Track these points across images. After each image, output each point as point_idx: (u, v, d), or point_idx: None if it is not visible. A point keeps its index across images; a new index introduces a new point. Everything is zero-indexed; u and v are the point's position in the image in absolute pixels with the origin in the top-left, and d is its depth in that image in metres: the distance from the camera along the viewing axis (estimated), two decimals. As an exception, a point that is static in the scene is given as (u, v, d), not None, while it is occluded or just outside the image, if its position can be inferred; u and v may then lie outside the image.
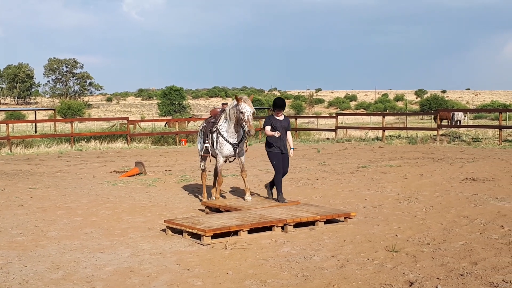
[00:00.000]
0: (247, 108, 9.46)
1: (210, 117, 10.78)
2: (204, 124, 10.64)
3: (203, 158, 10.67)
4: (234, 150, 9.92)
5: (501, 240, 7.41)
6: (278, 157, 9.80)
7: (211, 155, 10.41)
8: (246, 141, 10.23)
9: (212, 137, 10.18)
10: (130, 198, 11.62)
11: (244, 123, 9.47)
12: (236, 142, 9.89)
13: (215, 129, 10.11)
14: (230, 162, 10.45)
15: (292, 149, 10.06)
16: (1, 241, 8.01)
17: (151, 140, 28.95)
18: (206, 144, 10.31)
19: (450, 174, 13.75)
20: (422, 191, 11.42)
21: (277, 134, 9.61)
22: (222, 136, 9.91)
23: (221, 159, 10.05)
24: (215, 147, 10.10)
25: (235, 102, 9.54)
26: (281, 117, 9.84)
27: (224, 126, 9.92)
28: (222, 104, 10.61)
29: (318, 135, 31.82)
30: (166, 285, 5.91)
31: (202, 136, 10.58)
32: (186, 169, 16.74)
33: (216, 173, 10.51)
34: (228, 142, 9.86)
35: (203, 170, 10.79)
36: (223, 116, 10.06)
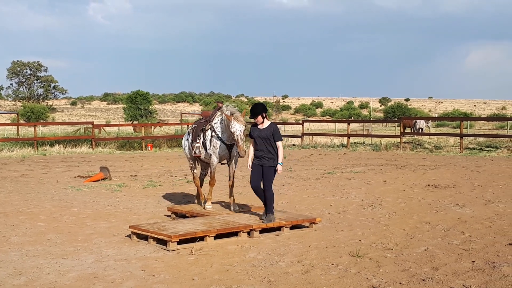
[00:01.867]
0: (237, 127, 8.89)
1: (200, 118, 10.19)
2: (194, 125, 10.04)
3: (194, 160, 10.15)
4: (229, 151, 9.43)
5: (461, 246, 7.59)
6: (254, 169, 8.64)
7: (200, 158, 9.87)
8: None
9: (205, 136, 9.59)
10: (94, 203, 11.49)
11: (234, 143, 9.09)
12: (231, 144, 9.36)
13: (209, 126, 9.54)
14: (222, 164, 9.93)
15: (280, 164, 8.54)
16: (-39, 247, 7.82)
17: (116, 145, 28.66)
18: (197, 144, 9.71)
19: (412, 181, 14.02)
20: (385, 197, 11.61)
21: (248, 166, 8.64)
22: (217, 135, 9.37)
23: (215, 160, 9.50)
24: (207, 148, 9.55)
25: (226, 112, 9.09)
26: (264, 125, 8.64)
27: (220, 126, 9.37)
28: (218, 102, 10.22)
29: (284, 141, 31.99)
30: (131, 291, 5.87)
31: (190, 138, 9.98)
32: (152, 174, 16.63)
33: (202, 178, 10.37)
34: (223, 142, 9.34)
35: (195, 174, 10.28)
36: (218, 114, 9.49)
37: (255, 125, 8.69)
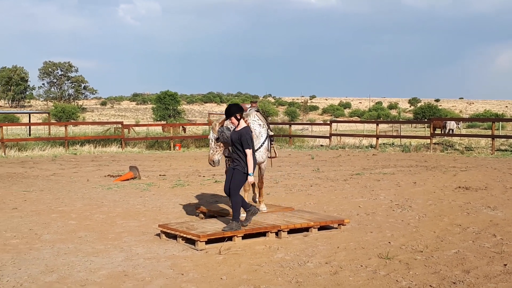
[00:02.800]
0: (209, 135, 8.59)
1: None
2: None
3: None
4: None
5: (493, 248, 7.47)
6: (228, 172, 8.28)
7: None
8: (273, 145, 9.63)
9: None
10: (124, 202, 11.62)
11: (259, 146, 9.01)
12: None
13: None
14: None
15: (250, 175, 8.00)
16: (-5, 243, 8.00)
17: (145, 145, 28.94)
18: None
19: (443, 183, 13.83)
20: (415, 199, 11.48)
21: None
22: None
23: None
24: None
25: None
26: (239, 128, 8.08)
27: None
28: (252, 102, 9.78)
29: (312, 142, 31.92)
30: (160, 289, 5.93)
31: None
32: (180, 174, 16.74)
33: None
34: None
35: None
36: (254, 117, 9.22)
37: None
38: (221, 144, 8.45)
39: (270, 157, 9.71)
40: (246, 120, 8.22)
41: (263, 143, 9.10)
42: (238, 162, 8.01)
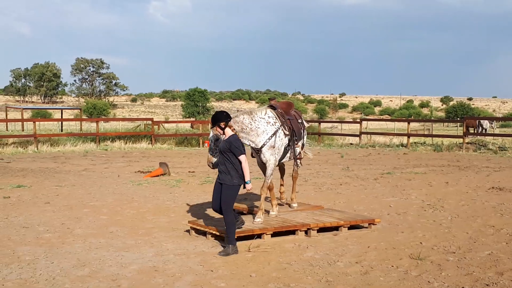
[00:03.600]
0: (209, 135, 8.21)
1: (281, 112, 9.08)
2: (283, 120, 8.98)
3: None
4: (258, 156, 8.78)
5: (528, 251, 7.30)
6: (215, 187, 7.58)
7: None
8: (297, 145, 9.12)
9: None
10: (154, 198, 11.72)
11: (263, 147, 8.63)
12: (257, 147, 8.62)
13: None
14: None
15: (247, 183, 7.35)
16: (29, 237, 8.15)
17: (175, 141, 29.14)
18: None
19: (476, 183, 13.59)
20: (447, 199, 11.30)
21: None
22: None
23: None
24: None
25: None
26: (226, 136, 7.51)
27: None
28: (270, 99, 9.47)
29: (341, 140, 31.67)
30: (190, 285, 5.95)
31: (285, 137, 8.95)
32: (209, 171, 16.78)
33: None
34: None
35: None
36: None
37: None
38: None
39: (296, 158, 9.19)
40: (233, 128, 7.61)
41: (269, 139, 8.51)
42: (225, 175, 7.31)
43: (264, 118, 8.64)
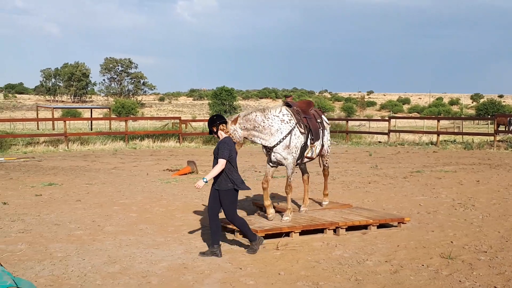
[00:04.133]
0: None
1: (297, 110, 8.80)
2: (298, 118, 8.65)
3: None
4: (268, 155, 8.51)
5: None
6: (211, 193, 7.38)
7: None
8: (314, 145, 8.75)
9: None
10: (182, 196, 11.80)
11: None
12: (269, 145, 8.38)
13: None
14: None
15: (203, 180, 7.07)
16: (60, 234, 8.28)
17: (202, 140, 29.28)
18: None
19: (507, 181, 13.36)
20: (478, 198, 11.13)
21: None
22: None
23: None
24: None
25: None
26: (221, 138, 7.40)
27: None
28: (286, 96, 9.38)
29: (369, 138, 31.44)
30: (219, 283, 5.98)
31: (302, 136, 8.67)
32: (237, 169, 16.83)
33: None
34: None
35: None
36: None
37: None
38: (236, 141, 7.97)
39: (308, 158, 8.86)
40: (227, 132, 7.40)
41: (283, 139, 8.26)
42: (220, 180, 7.10)
43: (278, 116, 8.36)
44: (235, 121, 8.14)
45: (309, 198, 9.71)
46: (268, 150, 8.38)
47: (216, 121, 7.36)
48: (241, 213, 9.85)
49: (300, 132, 8.44)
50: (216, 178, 7.12)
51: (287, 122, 8.36)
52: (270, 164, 8.54)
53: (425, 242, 7.68)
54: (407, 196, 11.54)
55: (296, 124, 8.40)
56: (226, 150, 7.06)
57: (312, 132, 8.70)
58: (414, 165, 17.21)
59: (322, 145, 9.12)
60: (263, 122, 8.22)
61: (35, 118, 49.73)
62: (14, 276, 5.65)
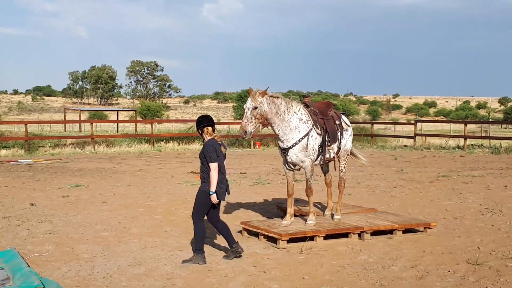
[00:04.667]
0: (246, 104, 8.05)
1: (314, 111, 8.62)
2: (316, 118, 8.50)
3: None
4: (284, 156, 8.34)
5: None
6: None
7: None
8: (331, 147, 8.49)
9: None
10: (207, 199, 11.82)
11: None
12: (285, 146, 8.25)
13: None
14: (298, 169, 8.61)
15: (211, 193, 6.91)
16: (87, 235, 8.39)
17: (226, 142, 29.37)
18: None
19: (537, 187, 13.11)
20: (506, 203, 10.95)
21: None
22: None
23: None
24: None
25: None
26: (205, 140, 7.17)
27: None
28: (304, 96, 9.14)
29: (395, 142, 31.14)
30: (243, 286, 6.00)
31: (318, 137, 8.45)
32: (260, 172, 16.86)
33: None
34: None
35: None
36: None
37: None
38: (258, 116, 7.89)
39: (327, 160, 8.67)
40: (211, 134, 7.06)
41: (300, 140, 8.09)
42: (204, 181, 6.98)
43: (297, 114, 8.22)
44: (263, 94, 7.99)
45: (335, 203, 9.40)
46: (284, 150, 8.20)
47: (200, 124, 7.10)
48: (266, 215, 9.85)
49: (317, 133, 8.30)
50: (202, 179, 6.98)
51: (305, 122, 8.23)
52: (286, 166, 8.40)
53: (452, 248, 7.58)
54: (433, 201, 11.40)
55: (313, 126, 8.27)
56: (212, 152, 6.84)
57: (329, 133, 8.51)
58: (441, 170, 17.00)
59: (339, 148, 8.86)
60: (284, 114, 8.08)
61: (62, 120, 50.45)
62: (41, 276, 5.74)
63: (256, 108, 7.92)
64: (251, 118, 7.92)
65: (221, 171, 6.95)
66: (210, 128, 7.09)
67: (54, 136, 30.96)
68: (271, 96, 8.13)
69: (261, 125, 8.25)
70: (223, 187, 7.00)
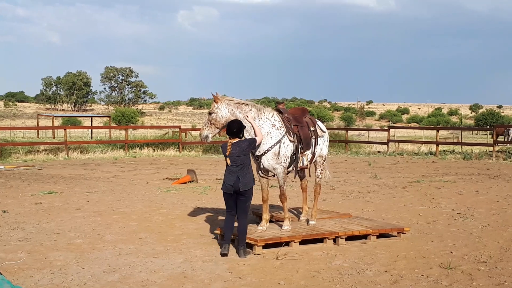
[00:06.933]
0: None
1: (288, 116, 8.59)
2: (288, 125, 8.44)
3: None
4: (256, 163, 8.26)
5: (562, 261, 7.15)
6: (228, 198, 7.72)
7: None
8: (305, 154, 8.49)
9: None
10: (182, 205, 11.81)
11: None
12: (258, 153, 8.14)
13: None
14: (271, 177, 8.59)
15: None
16: (60, 243, 8.29)
17: (202, 149, 29.29)
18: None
19: (507, 192, 13.38)
20: (477, 208, 11.15)
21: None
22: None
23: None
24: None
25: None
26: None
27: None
28: (278, 103, 8.98)
29: (369, 148, 31.45)
30: (219, 292, 5.98)
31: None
32: (237, 178, 16.84)
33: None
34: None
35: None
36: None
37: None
38: (213, 121, 7.99)
39: (299, 168, 8.58)
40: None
41: (272, 146, 8.06)
42: (240, 181, 7.56)
43: (269, 120, 8.18)
44: (219, 100, 8.00)
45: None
46: (257, 157, 8.13)
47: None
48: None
49: (290, 140, 8.24)
50: (229, 180, 7.62)
51: (278, 129, 8.16)
52: (260, 173, 8.38)
53: (425, 252, 7.69)
54: (406, 206, 11.55)
55: (285, 133, 8.21)
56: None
57: (302, 140, 8.45)
58: (413, 175, 17.23)
59: (314, 154, 8.79)
60: (254, 120, 8.02)
61: (35, 127, 49.76)
62: (14, 284, 5.65)
63: (211, 113, 8.04)
64: (208, 123, 8.09)
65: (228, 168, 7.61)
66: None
67: (26, 143, 30.50)
68: (237, 103, 8.07)
69: (220, 130, 8.20)
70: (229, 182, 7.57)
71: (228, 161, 7.54)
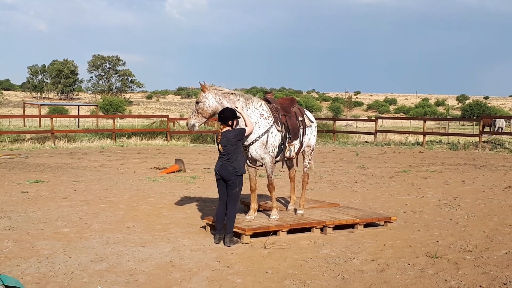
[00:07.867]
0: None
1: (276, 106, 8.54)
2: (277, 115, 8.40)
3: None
4: (244, 152, 8.17)
5: (546, 250, 7.24)
6: (219, 184, 7.82)
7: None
8: (292, 144, 8.47)
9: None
10: (170, 194, 11.79)
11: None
12: (246, 143, 8.08)
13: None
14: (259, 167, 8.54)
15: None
16: (47, 232, 8.24)
17: (190, 138, 29.26)
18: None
19: (492, 182, 13.50)
20: (464, 198, 11.25)
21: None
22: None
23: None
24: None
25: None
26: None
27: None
28: (266, 93, 8.82)
29: (356, 138, 31.60)
30: (206, 281, 6.00)
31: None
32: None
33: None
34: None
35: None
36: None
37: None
38: (200, 110, 7.97)
39: (287, 158, 8.54)
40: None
41: (260, 136, 8.03)
42: (230, 167, 7.68)
43: (257, 109, 8.13)
44: (206, 89, 7.97)
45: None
46: (245, 147, 8.05)
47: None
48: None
49: (278, 130, 8.21)
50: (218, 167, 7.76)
51: (266, 119, 8.12)
52: (248, 163, 8.34)
53: (411, 241, 7.75)
54: (393, 195, 11.62)
55: (273, 123, 8.18)
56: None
57: (290, 130, 8.43)
58: (400, 165, 17.33)
59: (302, 144, 8.78)
60: (242, 110, 7.96)
61: (21, 115, 49.35)
62: (0, 273, 5.62)
63: (198, 103, 8.03)
64: (195, 112, 8.10)
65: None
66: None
67: (13, 131, 30.26)
68: (225, 92, 8.02)
69: (207, 120, 8.21)
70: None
71: (220, 147, 7.65)
